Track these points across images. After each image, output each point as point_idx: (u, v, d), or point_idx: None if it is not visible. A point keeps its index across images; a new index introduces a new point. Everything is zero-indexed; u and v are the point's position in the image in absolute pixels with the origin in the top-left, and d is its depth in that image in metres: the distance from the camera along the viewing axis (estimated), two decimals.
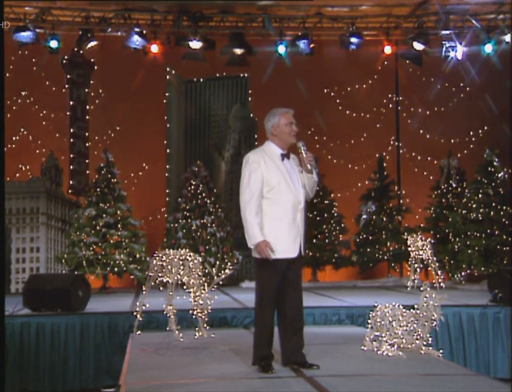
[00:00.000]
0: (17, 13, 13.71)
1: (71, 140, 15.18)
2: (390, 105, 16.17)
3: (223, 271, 6.90)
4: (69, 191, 15.02)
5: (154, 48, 14.56)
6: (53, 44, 13.88)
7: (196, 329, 7.04)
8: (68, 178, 15.04)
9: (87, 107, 15.35)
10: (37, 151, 15.04)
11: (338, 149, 15.86)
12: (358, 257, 14.71)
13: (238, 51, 14.60)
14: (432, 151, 15.70)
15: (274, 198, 5.29)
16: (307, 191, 5.44)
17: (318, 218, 14.81)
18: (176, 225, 14.21)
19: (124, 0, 14.03)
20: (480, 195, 13.60)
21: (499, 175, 13.76)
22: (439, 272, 6.45)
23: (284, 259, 5.26)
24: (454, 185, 14.78)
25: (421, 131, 15.91)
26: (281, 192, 5.28)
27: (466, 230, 13.44)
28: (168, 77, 15.74)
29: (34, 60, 14.93)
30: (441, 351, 6.25)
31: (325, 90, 15.80)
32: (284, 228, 5.26)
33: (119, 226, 13.12)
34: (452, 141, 15.85)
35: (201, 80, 15.98)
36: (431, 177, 15.59)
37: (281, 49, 14.51)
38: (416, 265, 6.42)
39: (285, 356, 5.43)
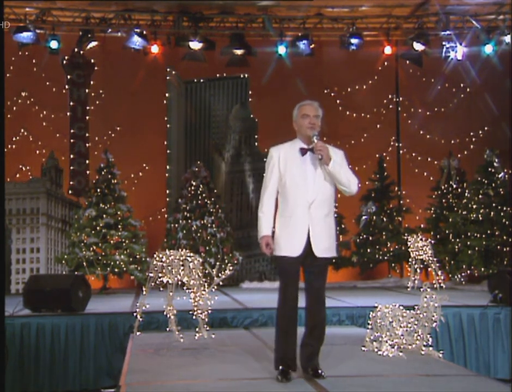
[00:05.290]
0: (17, 14, 13.71)
1: (71, 141, 15.18)
2: (391, 106, 16.16)
3: (223, 272, 6.89)
4: (70, 191, 15.03)
5: (155, 49, 14.56)
6: (53, 44, 13.87)
7: (196, 329, 7.03)
8: (69, 178, 15.04)
9: (88, 108, 15.35)
10: (37, 152, 15.04)
11: None
12: (358, 258, 14.70)
13: (238, 51, 14.60)
14: (432, 151, 15.69)
15: (285, 194, 5.16)
16: (340, 186, 5.26)
17: None
18: (176, 225, 14.21)
19: (124, 0, 14.04)
20: (480, 196, 13.60)
21: (499, 176, 13.76)
22: (439, 273, 6.45)
23: (287, 257, 5.08)
24: (454, 186, 14.79)
25: (421, 131, 15.90)
26: (292, 188, 5.13)
27: (466, 230, 13.44)
28: (168, 78, 15.74)
29: (34, 60, 14.92)
30: (441, 351, 6.25)
31: (325, 91, 15.77)
32: (288, 225, 5.11)
33: (119, 226, 13.12)
34: (452, 141, 15.85)
35: (201, 80, 15.97)
36: (431, 178, 15.59)
37: (281, 49, 14.51)
38: (416, 265, 6.42)
39: (301, 359, 5.23)
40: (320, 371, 5.13)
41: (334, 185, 5.28)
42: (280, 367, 5.05)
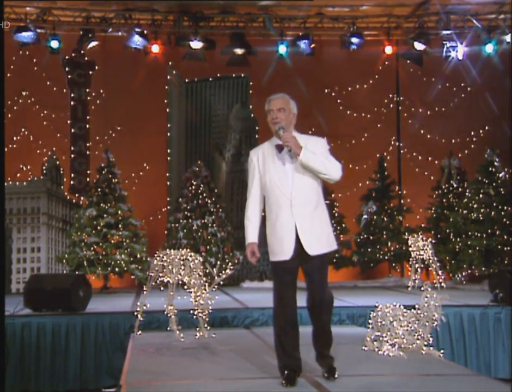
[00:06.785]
0: (18, 14, 13.72)
1: (72, 140, 15.20)
2: (391, 105, 16.17)
3: (223, 272, 6.90)
4: (70, 191, 15.04)
5: (155, 48, 14.56)
6: (54, 44, 13.88)
7: (197, 329, 7.04)
8: (69, 178, 15.07)
9: (88, 107, 15.36)
10: (38, 151, 15.05)
11: (339, 150, 15.75)
12: (359, 257, 14.71)
13: (239, 51, 14.60)
14: (432, 151, 15.70)
15: (268, 196, 4.93)
16: (319, 174, 4.89)
17: None
18: (177, 225, 14.21)
19: (125, 0, 14.04)
20: (480, 195, 13.61)
21: (500, 175, 13.77)
22: (439, 272, 6.45)
23: (281, 261, 4.84)
24: (455, 185, 14.80)
25: (422, 131, 15.90)
26: (272, 188, 4.88)
27: (467, 230, 13.44)
28: (168, 77, 15.75)
29: (34, 60, 14.94)
30: (442, 351, 6.25)
31: (326, 90, 15.80)
32: (275, 228, 4.88)
33: (120, 226, 13.14)
34: (453, 141, 15.85)
35: (202, 80, 15.98)
36: (432, 177, 15.59)
37: (282, 49, 14.51)
38: (417, 265, 6.42)
39: (316, 360, 5.11)
40: (331, 372, 4.99)
41: (318, 177, 4.94)
42: (286, 372, 4.88)
